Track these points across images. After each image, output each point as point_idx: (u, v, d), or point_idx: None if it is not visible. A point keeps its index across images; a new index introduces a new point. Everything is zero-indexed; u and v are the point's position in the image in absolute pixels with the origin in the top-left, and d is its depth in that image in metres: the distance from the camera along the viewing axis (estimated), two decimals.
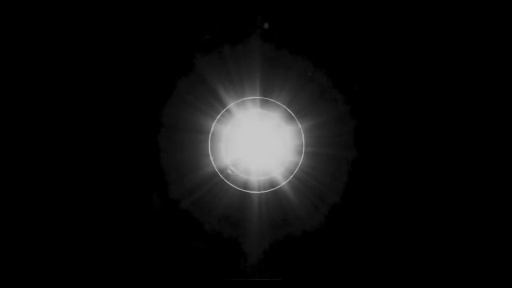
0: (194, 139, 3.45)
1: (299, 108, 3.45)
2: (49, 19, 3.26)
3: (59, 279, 3.26)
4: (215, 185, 3.44)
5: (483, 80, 3.35)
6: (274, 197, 3.43)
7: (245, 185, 3.46)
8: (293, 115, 3.46)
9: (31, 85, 3.29)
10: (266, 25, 3.32)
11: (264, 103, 3.47)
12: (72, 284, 3.26)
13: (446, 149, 3.37)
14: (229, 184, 3.44)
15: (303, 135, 3.46)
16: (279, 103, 3.46)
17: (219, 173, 3.45)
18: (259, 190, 3.44)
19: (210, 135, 3.46)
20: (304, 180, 3.44)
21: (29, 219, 3.27)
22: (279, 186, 3.44)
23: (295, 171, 3.44)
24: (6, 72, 3.25)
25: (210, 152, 3.45)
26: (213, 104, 3.44)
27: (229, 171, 3.49)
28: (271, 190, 3.44)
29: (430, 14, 3.34)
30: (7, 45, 3.24)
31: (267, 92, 3.44)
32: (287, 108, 3.46)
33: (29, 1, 3.22)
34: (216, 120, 3.46)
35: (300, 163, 3.45)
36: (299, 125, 3.46)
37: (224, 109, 3.46)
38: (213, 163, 3.45)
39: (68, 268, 3.28)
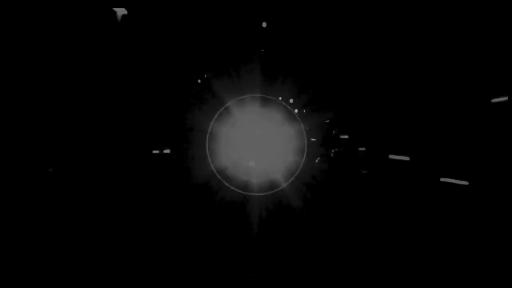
0: (192, 139, 3.40)
1: (301, 108, 3.40)
2: (66, 24, 3.38)
3: (58, 278, 3.22)
4: (214, 186, 3.39)
5: (477, 84, 3.39)
6: (275, 199, 3.39)
7: (245, 187, 3.40)
8: (295, 114, 3.41)
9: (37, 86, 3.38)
10: (264, 24, 3.29)
11: (265, 102, 3.42)
12: (72, 284, 3.23)
13: (446, 150, 3.39)
14: (228, 186, 3.38)
15: (305, 135, 3.42)
16: (280, 101, 3.41)
17: (217, 174, 3.39)
18: (259, 192, 3.38)
19: (208, 135, 3.39)
20: (305, 181, 3.40)
21: (29, 218, 3.29)
22: (280, 188, 3.39)
23: (297, 172, 3.40)
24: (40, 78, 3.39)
25: (208, 153, 3.39)
26: (211, 102, 3.39)
27: (228, 173, 3.44)
28: (272, 192, 3.39)
29: (431, 16, 3.36)
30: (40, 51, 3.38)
31: (268, 90, 3.40)
32: (288, 107, 3.40)
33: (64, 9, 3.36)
34: (214, 119, 3.39)
35: (302, 164, 3.40)
36: (302, 125, 3.41)
37: (223, 107, 3.39)
38: (211, 164, 3.39)
39: (67, 269, 3.23)
